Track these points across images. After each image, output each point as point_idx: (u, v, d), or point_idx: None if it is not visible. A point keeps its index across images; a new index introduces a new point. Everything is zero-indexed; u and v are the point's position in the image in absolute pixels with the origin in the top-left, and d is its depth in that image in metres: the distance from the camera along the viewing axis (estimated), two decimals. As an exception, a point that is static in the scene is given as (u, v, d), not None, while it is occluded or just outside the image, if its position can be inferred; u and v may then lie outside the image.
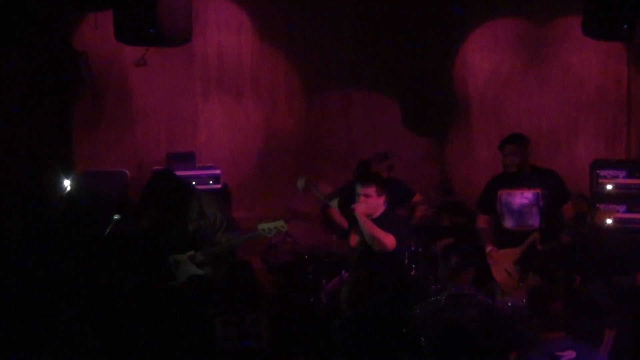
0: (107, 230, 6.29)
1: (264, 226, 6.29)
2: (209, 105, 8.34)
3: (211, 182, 7.52)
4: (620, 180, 7.59)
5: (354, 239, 6.49)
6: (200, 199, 6.54)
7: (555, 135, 8.47)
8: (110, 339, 6.17)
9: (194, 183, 7.29)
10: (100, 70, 7.92)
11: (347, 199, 8.08)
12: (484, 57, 8.56)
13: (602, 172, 7.64)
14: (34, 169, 7.35)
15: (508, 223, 7.02)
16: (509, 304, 5.78)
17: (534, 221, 6.95)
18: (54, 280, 6.99)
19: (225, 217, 6.56)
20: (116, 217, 6.36)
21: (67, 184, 7.14)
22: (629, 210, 7.52)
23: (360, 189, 6.37)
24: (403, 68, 8.56)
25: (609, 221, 7.06)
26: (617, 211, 7.38)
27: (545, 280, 5.54)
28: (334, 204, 7.07)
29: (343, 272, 7.07)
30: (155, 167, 7.83)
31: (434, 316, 5.10)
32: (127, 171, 7.91)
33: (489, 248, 6.92)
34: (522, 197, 6.98)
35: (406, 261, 7.07)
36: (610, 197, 7.51)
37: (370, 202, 6.32)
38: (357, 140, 8.52)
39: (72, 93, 7.81)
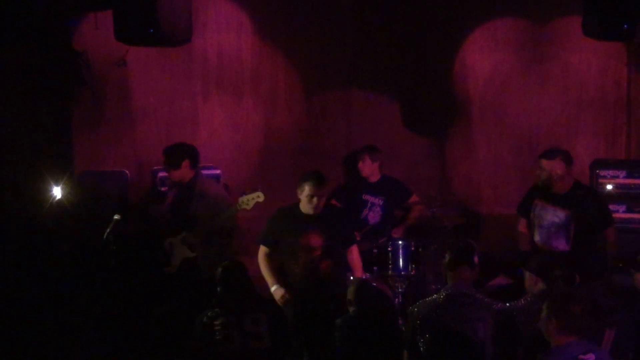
0: (107, 230, 6.29)
1: (242, 199, 6.60)
2: (209, 105, 8.34)
3: (211, 182, 7.51)
4: (620, 180, 7.59)
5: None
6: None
7: (555, 135, 8.46)
8: (111, 343, 6.18)
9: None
10: (100, 70, 7.92)
11: (343, 198, 8.11)
12: (483, 57, 8.55)
13: (602, 172, 7.64)
14: (34, 169, 7.34)
15: (537, 237, 6.69)
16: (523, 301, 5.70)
17: (558, 244, 6.57)
18: (53, 282, 7.00)
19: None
20: (116, 217, 6.36)
21: (56, 191, 7.11)
22: (629, 210, 7.53)
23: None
24: (403, 68, 8.56)
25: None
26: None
27: (543, 280, 5.49)
28: None
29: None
30: (155, 167, 7.84)
31: (432, 315, 5.08)
32: (127, 171, 7.91)
33: None
34: (554, 215, 6.61)
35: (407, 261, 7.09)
36: (610, 197, 7.50)
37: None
38: (357, 140, 8.51)
39: (72, 93, 7.80)
